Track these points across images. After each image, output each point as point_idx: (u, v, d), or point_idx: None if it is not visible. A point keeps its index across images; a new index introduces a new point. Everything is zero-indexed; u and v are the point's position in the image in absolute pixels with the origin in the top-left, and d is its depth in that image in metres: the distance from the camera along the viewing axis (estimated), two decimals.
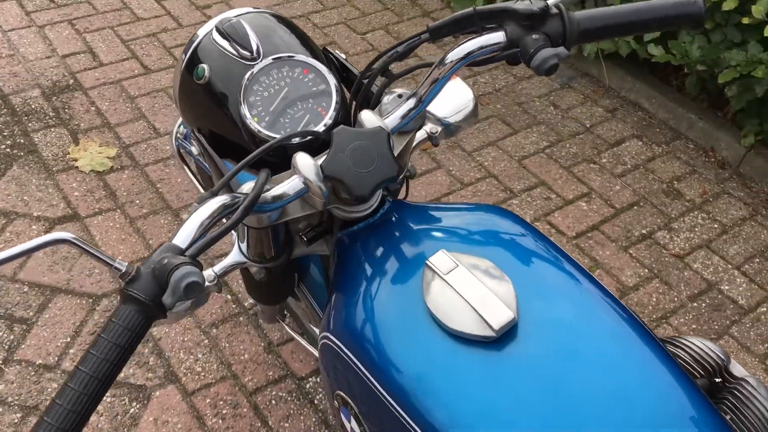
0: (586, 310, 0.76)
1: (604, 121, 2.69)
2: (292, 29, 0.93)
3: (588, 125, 2.65)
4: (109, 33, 2.87)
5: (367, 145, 0.75)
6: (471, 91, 1.04)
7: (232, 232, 1.02)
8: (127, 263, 0.66)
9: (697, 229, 2.28)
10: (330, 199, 0.81)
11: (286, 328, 1.67)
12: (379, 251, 0.83)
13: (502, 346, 0.70)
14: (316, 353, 1.72)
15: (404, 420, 0.70)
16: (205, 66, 0.88)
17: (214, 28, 0.90)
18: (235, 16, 0.91)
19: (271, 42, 0.88)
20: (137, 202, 2.18)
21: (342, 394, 0.81)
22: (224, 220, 0.76)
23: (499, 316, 0.70)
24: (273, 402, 1.73)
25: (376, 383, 0.73)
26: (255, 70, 0.84)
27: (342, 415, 0.84)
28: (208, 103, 0.89)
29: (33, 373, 1.72)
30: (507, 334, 0.71)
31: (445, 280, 0.73)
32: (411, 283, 0.77)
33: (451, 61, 0.80)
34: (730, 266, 2.17)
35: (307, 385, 1.77)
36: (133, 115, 2.49)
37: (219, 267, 0.95)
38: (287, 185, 0.77)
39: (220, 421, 1.68)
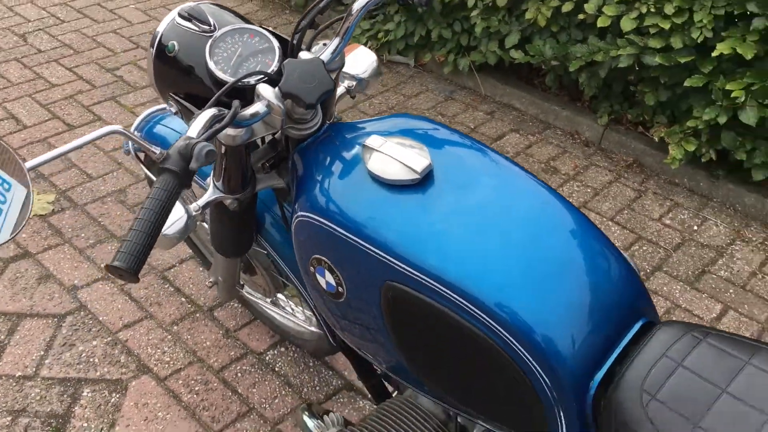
0: (490, 161, 1.08)
1: (485, 122, 3.11)
2: (233, 12, 1.25)
3: (472, 126, 3.07)
4: (28, 100, 3.08)
5: (310, 68, 1.06)
6: (374, 54, 1.38)
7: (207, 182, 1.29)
8: (159, 150, 0.93)
9: (574, 195, 2.70)
10: (285, 122, 1.11)
11: (245, 294, 1.90)
12: (327, 152, 1.13)
13: (425, 186, 1.01)
14: (277, 315, 1.96)
15: (368, 249, 0.99)
16: (174, 42, 1.18)
17: (177, 15, 1.19)
18: (190, 6, 1.22)
19: (223, 19, 1.19)
20: (83, 235, 2.38)
21: (317, 255, 1.09)
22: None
23: (420, 163, 1.01)
24: (239, 375, 1.95)
25: (344, 231, 1.01)
26: (216, 35, 1.14)
27: (317, 274, 1.11)
28: (181, 69, 1.17)
29: (14, 384, 1.88)
30: (428, 177, 1.02)
31: (378, 150, 1.04)
32: (354, 161, 1.07)
33: (357, 10, 1.13)
34: (605, 219, 2.58)
35: (267, 357, 2.01)
36: (64, 166, 2.69)
37: (202, 200, 1.23)
38: (256, 107, 1.06)
39: (195, 396, 1.89)
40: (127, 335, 2.04)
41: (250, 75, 1.10)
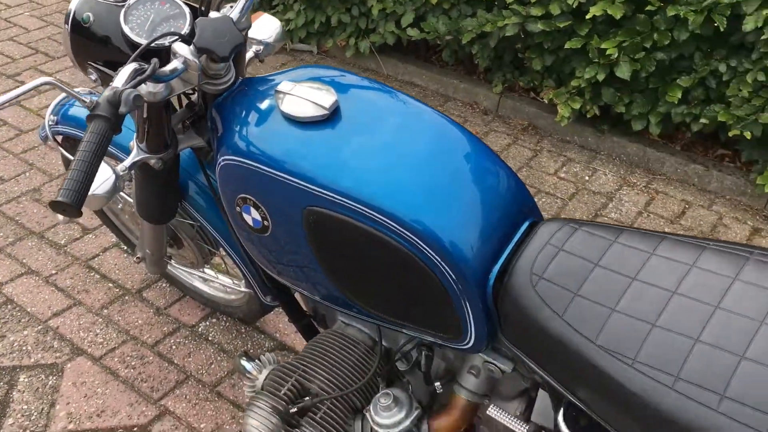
0: (393, 97, 1.21)
1: None
2: None
3: None
4: None
5: (220, 25, 1.16)
6: (277, 21, 1.49)
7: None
8: (89, 98, 1.02)
9: None
10: (201, 77, 1.21)
11: (173, 267, 1.97)
12: (242, 103, 1.23)
13: (334, 120, 1.14)
14: (206, 288, 2.05)
15: (287, 180, 1.11)
16: (88, 14, 1.26)
17: None
18: None
19: None
20: (1, 234, 2.38)
21: (242, 195, 1.19)
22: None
23: (327, 100, 1.14)
24: (173, 347, 2.03)
25: (264, 167, 1.12)
26: (129, 3, 1.23)
27: (244, 213, 1.22)
28: (98, 38, 1.25)
29: None
30: (336, 113, 1.15)
31: (289, 93, 1.16)
32: (268, 106, 1.18)
33: None
34: None
35: (199, 329, 2.09)
36: None
37: (127, 161, 1.31)
38: (174, 63, 1.16)
39: (132, 370, 1.95)
40: (58, 322, 2.08)
41: (165, 35, 1.20)
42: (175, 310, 2.14)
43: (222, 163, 1.21)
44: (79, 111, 1.73)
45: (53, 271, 2.25)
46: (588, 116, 2.82)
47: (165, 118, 1.29)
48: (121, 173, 1.27)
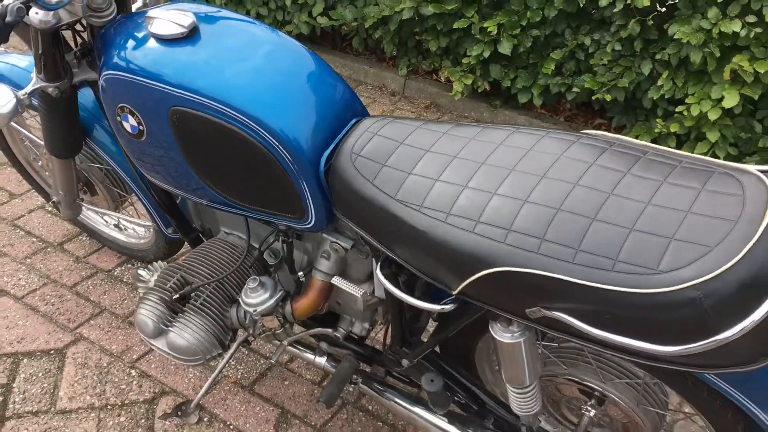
0: (249, 23, 1.46)
1: None
2: None
3: None
4: None
5: None
6: None
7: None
8: None
9: None
10: (85, 9, 1.45)
11: (86, 211, 2.18)
12: (121, 31, 1.47)
13: (194, 38, 1.39)
14: (120, 236, 2.26)
15: (153, 86, 1.34)
16: None
17: None
18: None
19: None
20: None
21: (121, 104, 1.42)
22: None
23: (186, 21, 1.39)
24: (91, 287, 2.23)
25: (135, 77, 1.36)
26: None
27: (123, 121, 1.45)
28: None
29: None
30: (196, 32, 1.40)
31: (157, 18, 1.40)
32: (141, 31, 1.43)
33: None
34: None
35: (115, 272, 2.30)
36: None
37: (27, 88, 1.54)
38: None
39: (51, 306, 2.15)
40: None
41: None
42: (94, 258, 2.35)
43: (103, 79, 1.45)
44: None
45: None
46: (480, 92, 3.13)
47: (57, 48, 1.53)
48: (21, 97, 1.50)
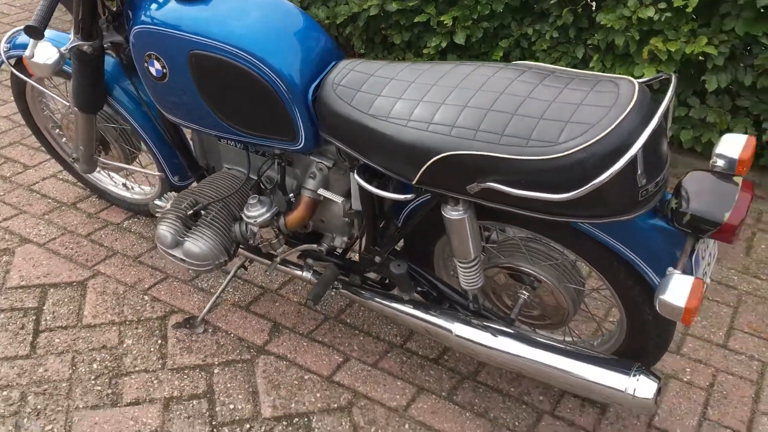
0: None
1: None
2: None
3: None
4: None
5: None
6: None
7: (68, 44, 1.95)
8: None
9: None
10: None
11: (101, 167, 2.52)
12: None
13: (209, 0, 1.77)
14: (127, 194, 2.60)
15: (176, 34, 1.71)
16: None
17: None
18: None
19: None
20: None
21: (148, 51, 1.79)
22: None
23: None
24: (103, 236, 2.57)
25: (161, 27, 1.72)
26: None
27: (149, 66, 1.81)
28: None
29: None
30: None
31: None
32: None
33: None
34: None
35: (124, 225, 2.64)
36: None
37: (68, 44, 1.90)
38: None
39: (70, 250, 2.48)
40: (7, 224, 2.59)
41: None
42: (104, 214, 2.69)
43: (133, 34, 1.81)
44: (25, 39, 2.30)
45: (1, 193, 2.77)
46: None
47: (93, 14, 1.90)
48: (63, 51, 1.87)
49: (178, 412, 1.90)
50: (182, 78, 1.79)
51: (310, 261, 2.08)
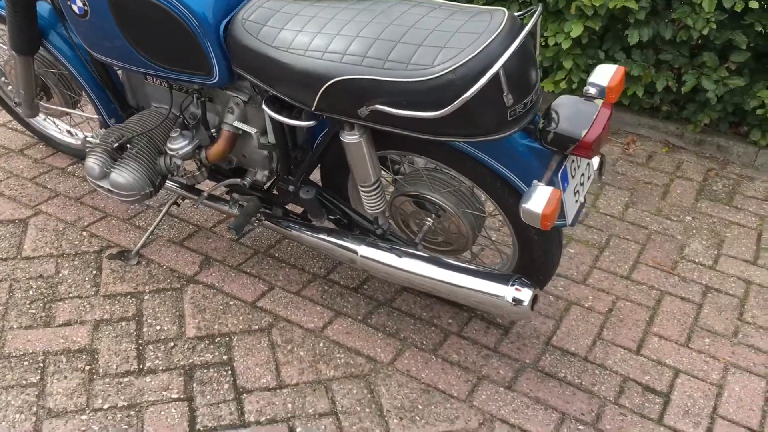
0: None
1: None
2: None
3: None
4: None
5: None
6: None
7: None
8: None
9: None
10: None
11: (45, 104, 2.62)
12: None
13: None
14: (71, 142, 2.70)
15: None
16: None
17: None
18: None
19: None
20: None
21: None
22: None
23: None
24: (47, 179, 2.69)
25: None
26: None
27: (71, 4, 1.91)
28: None
29: None
30: None
31: None
32: None
33: None
34: None
35: (68, 169, 2.75)
36: None
37: None
38: None
39: (14, 191, 2.60)
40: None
41: None
42: (50, 160, 2.80)
43: None
44: None
45: None
46: None
47: None
48: None
49: (107, 333, 2.04)
50: (102, 14, 1.89)
51: (236, 196, 2.20)
